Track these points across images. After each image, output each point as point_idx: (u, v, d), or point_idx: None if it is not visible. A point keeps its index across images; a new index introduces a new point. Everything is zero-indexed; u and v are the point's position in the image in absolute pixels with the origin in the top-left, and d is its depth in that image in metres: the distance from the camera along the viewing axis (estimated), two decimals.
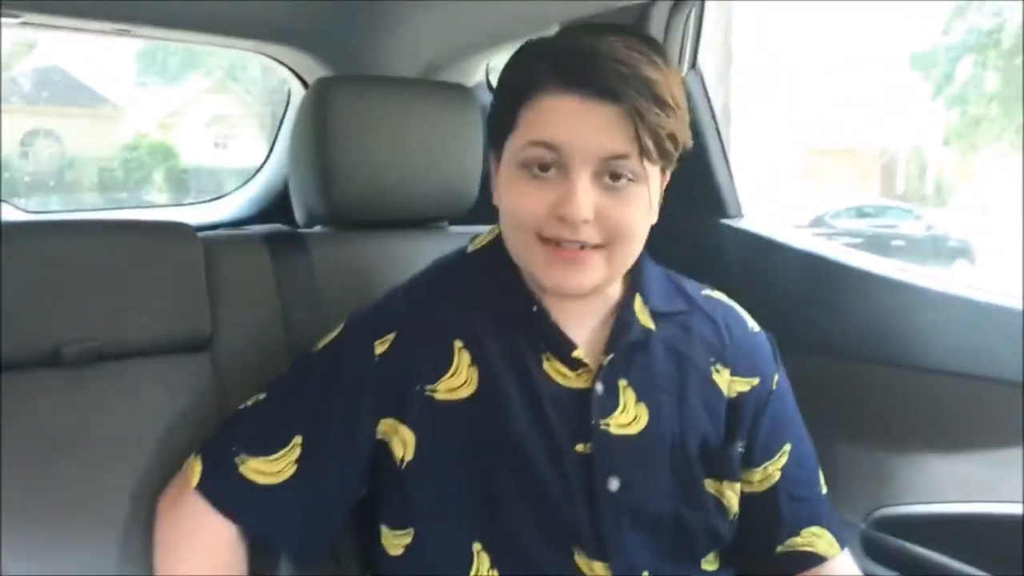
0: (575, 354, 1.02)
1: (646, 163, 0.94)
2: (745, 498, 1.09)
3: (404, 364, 1.02)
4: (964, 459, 1.30)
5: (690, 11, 1.48)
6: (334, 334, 1.08)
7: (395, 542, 1.04)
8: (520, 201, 0.96)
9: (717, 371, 1.08)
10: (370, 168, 1.35)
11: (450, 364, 1.02)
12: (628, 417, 1.02)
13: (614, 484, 1.00)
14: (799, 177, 11.13)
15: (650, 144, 0.92)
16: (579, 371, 1.03)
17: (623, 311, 1.05)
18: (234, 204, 2.15)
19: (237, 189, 2.20)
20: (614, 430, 1.01)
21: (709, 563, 1.08)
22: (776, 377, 1.12)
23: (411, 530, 1.03)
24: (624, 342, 1.04)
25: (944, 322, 1.30)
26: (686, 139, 0.98)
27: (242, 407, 1.08)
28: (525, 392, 1.01)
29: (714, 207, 1.57)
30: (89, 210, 3.63)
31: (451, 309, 1.05)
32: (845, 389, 1.39)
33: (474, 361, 1.02)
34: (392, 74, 1.75)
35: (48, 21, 1.58)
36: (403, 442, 1.01)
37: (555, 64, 0.93)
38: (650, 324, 1.06)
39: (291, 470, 1.01)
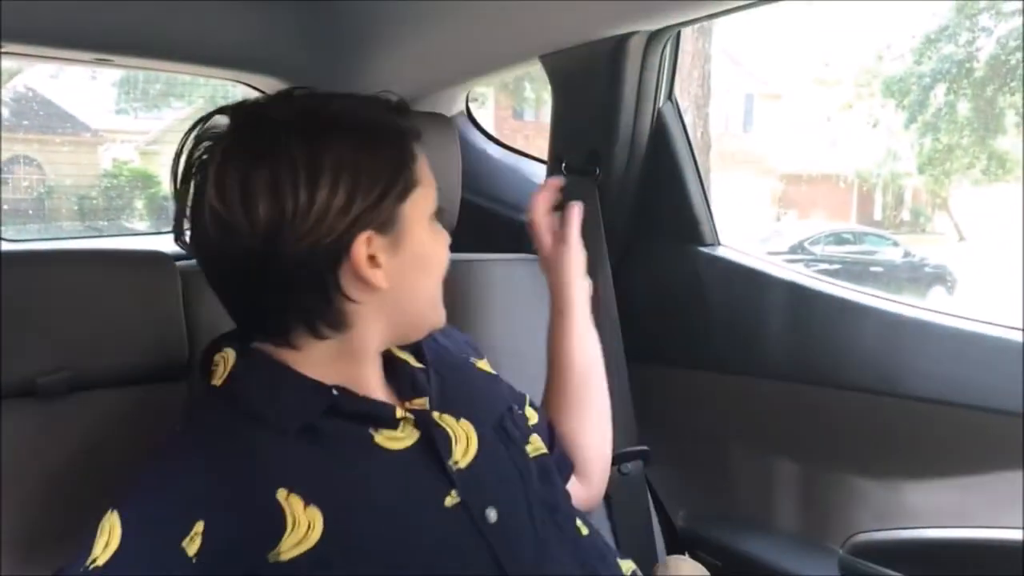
0: (398, 413, 0.95)
1: None
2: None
3: (228, 547, 0.82)
4: (939, 485, 1.31)
5: (666, 43, 1.50)
6: (99, 550, 0.84)
7: None
8: (442, 251, 1.00)
9: (476, 365, 1.16)
10: None
11: (284, 520, 0.84)
12: (462, 446, 0.99)
13: (492, 515, 0.95)
14: (776, 204, 11.23)
15: None
16: (401, 427, 0.95)
17: (387, 357, 1.03)
18: None
19: None
20: (463, 464, 0.97)
21: (582, 526, 1.08)
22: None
23: None
24: (410, 382, 1.02)
25: (922, 349, 1.32)
26: None
27: None
28: (373, 488, 0.91)
29: (691, 235, 1.59)
30: (68, 238, 3.61)
31: (264, 449, 0.89)
32: (823, 415, 1.40)
33: (308, 501, 0.86)
34: None
35: (28, 51, 1.59)
36: None
37: (402, 115, 0.97)
38: (408, 355, 1.05)
39: None
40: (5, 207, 4.48)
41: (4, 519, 1.07)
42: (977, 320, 1.30)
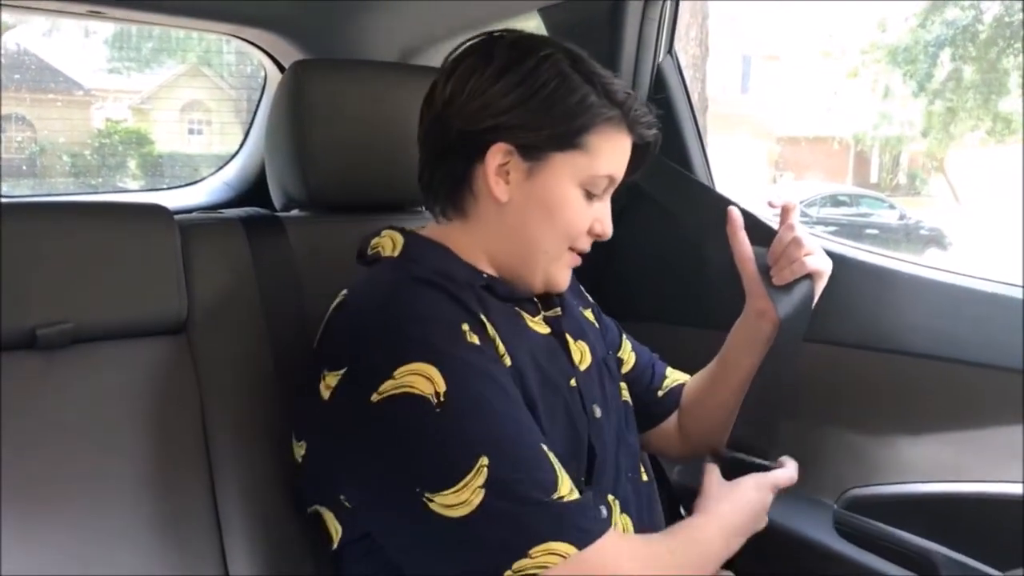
0: (534, 299, 1.12)
1: None
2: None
3: (488, 344, 1.00)
4: (933, 440, 1.32)
5: None
6: (437, 379, 0.92)
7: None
8: (576, 218, 1.06)
9: (584, 313, 1.24)
10: (347, 152, 1.35)
11: (488, 333, 1.01)
12: (578, 355, 1.13)
13: (598, 412, 1.11)
14: (772, 166, 11.21)
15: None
16: (538, 318, 1.12)
17: None
18: (210, 188, 2.14)
19: (213, 173, 2.19)
20: (580, 366, 1.12)
21: (644, 473, 1.21)
22: (585, 290, 1.33)
23: None
24: (544, 298, 1.15)
25: (917, 305, 1.32)
26: None
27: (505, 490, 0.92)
28: (528, 346, 1.05)
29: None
30: (63, 194, 3.60)
31: (449, 293, 1.01)
32: (817, 371, 1.41)
33: (496, 331, 1.02)
34: (369, 58, 1.75)
35: (23, 2, 1.57)
36: None
37: (620, 107, 1.04)
38: None
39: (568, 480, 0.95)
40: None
41: (4, 470, 1.08)
42: (972, 275, 1.30)
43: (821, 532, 1.32)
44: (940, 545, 1.24)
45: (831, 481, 1.38)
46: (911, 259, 1.37)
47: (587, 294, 1.32)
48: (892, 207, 9.22)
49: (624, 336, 1.33)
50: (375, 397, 0.92)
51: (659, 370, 1.34)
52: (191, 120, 6.01)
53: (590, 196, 1.06)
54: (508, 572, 0.87)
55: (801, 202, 8.51)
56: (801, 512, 1.38)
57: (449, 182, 1.08)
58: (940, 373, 1.29)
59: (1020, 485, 1.20)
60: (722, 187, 1.62)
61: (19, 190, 4.85)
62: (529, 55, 1.02)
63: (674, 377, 1.35)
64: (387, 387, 0.91)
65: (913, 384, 1.33)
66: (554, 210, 1.05)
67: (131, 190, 4.48)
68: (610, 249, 1.21)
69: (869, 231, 8.40)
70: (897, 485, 1.33)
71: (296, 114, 1.32)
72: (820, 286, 1.19)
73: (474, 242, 1.09)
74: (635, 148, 1.09)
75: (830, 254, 1.23)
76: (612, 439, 1.12)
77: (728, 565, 1.23)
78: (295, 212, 1.45)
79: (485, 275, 1.08)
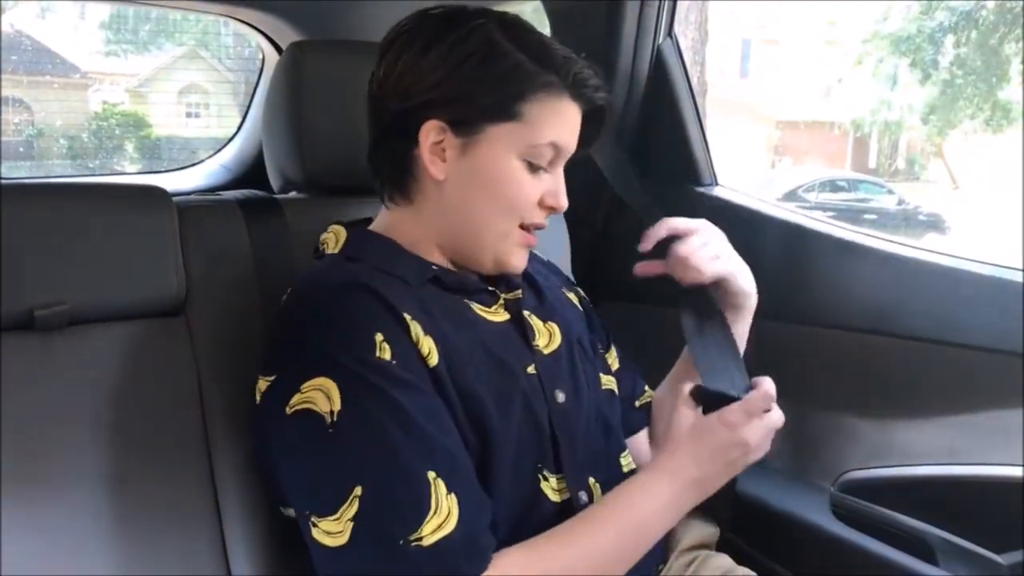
0: (489, 287, 1.08)
1: None
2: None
3: (406, 351, 0.95)
4: (931, 424, 1.32)
5: None
6: (335, 395, 0.90)
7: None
8: (520, 192, 1.02)
9: (565, 293, 1.21)
10: (344, 134, 1.34)
11: (413, 337, 0.96)
12: (544, 338, 1.10)
13: (561, 397, 1.06)
14: (771, 151, 11.19)
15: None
16: (494, 307, 1.08)
17: None
18: (208, 171, 2.14)
19: (211, 156, 2.18)
20: (544, 350, 1.08)
21: (625, 458, 1.17)
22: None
23: None
24: (506, 281, 1.11)
25: (917, 288, 1.32)
26: None
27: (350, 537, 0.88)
28: (472, 338, 1.02)
29: (688, 176, 1.58)
30: (60, 177, 3.59)
31: (377, 295, 0.98)
32: (814, 355, 1.41)
33: (425, 330, 0.97)
34: (367, 39, 1.74)
35: None
36: None
37: (559, 72, 0.99)
38: None
39: (452, 506, 0.90)
40: None
41: (3, 452, 1.08)
42: (972, 259, 1.30)
43: (818, 515, 1.32)
44: (937, 528, 1.25)
45: (828, 464, 1.39)
46: (911, 243, 1.37)
47: (571, 278, 1.30)
48: (891, 192, 9.21)
49: (611, 340, 1.28)
50: (288, 410, 0.92)
51: (639, 383, 1.28)
52: (189, 103, 5.99)
53: (534, 168, 1.02)
54: None
55: (799, 187, 8.53)
56: (798, 495, 1.38)
57: (390, 165, 1.06)
58: (939, 356, 1.30)
59: (1018, 468, 1.20)
60: (721, 171, 1.62)
61: (17, 172, 4.84)
62: (457, 26, 0.99)
63: (652, 394, 1.30)
64: (295, 400, 0.91)
65: (911, 367, 1.33)
66: (493, 185, 1.02)
67: (129, 173, 4.47)
68: (601, 231, 1.21)
69: (867, 216, 8.39)
70: (895, 468, 1.34)
71: (294, 96, 1.31)
72: (732, 284, 1.14)
73: (421, 228, 1.06)
74: (588, 115, 1.05)
75: (831, 237, 1.24)
76: (584, 421, 1.08)
77: (724, 546, 1.24)
78: (293, 194, 1.44)
79: (434, 267, 1.05)
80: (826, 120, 10.77)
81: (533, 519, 0.99)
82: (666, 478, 0.97)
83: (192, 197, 1.44)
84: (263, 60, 2.01)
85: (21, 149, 4.75)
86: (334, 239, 1.09)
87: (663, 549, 1.19)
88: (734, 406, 0.97)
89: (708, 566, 1.19)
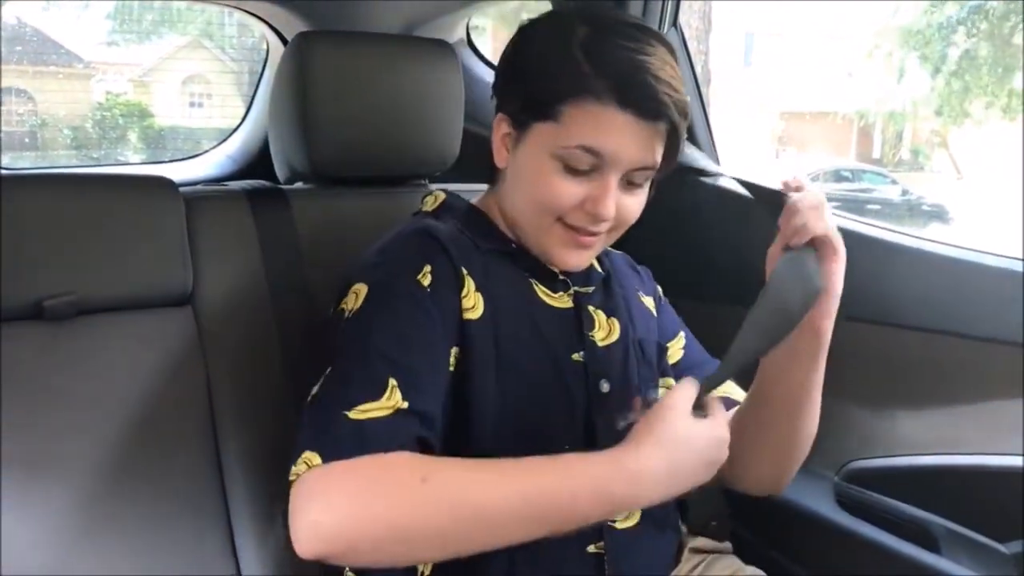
0: (561, 276, 1.11)
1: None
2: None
3: (445, 290, 1.01)
4: (934, 414, 1.32)
5: None
6: (361, 295, 0.99)
7: None
8: (552, 192, 1.03)
9: (640, 297, 1.23)
10: (351, 125, 1.34)
11: (463, 286, 1.03)
12: (603, 332, 1.13)
13: (605, 386, 1.09)
14: (775, 141, 11.16)
15: (675, 156, 1.06)
16: (560, 294, 1.12)
17: None
18: (213, 161, 2.14)
19: (215, 147, 2.19)
20: (599, 341, 1.12)
21: None
22: (659, 288, 1.30)
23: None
24: (585, 276, 1.15)
25: (920, 278, 1.32)
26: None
27: (310, 398, 0.94)
28: (525, 311, 1.08)
29: (693, 164, 1.58)
30: (64, 167, 3.59)
31: (454, 244, 1.05)
32: None
33: (478, 287, 1.04)
34: (373, 30, 1.74)
35: None
36: (454, 363, 1.01)
37: (614, 80, 0.98)
38: (598, 265, 1.19)
39: (398, 405, 0.90)
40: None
41: (10, 440, 1.08)
42: (975, 249, 1.30)
43: (822, 504, 1.32)
44: (940, 517, 1.25)
45: (832, 454, 1.39)
46: (913, 232, 1.37)
47: (656, 286, 1.29)
48: (894, 183, 9.20)
49: (683, 333, 1.26)
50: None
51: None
52: (192, 93, 5.99)
53: (573, 171, 1.01)
54: (293, 468, 0.87)
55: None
56: (802, 484, 1.38)
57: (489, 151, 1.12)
58: (941, 346, 1.30)
59: (1020, 458, 1.20)
60: (725, 162, 1.62)
61: (21, 163, 4.84)
62: (539, 25, 1.06)
63: (727, 390, 1.17)
64: (342, 305, 1.01)
65: (914, 357, 1.33)
66: (527, 181, 1.06)
67: (133, 163, 4.47)
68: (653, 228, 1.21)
69: (871, 206, 8.38)
70: (898, 458, 1.34)
71: (300, 86, 1.32)
72: (833, 262, 1.03)
73: (500, 210, 1.13)
74: (668, 132, 1.02)
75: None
76: (625, 410, 1.07)
77: (726, 536, 1.24)
78: (299, 185, 1.45)
79: (514, 244, 1.11)
80: (830, 110, 10.75)
81: None
82: (603, 461, 0.90)
83: (199, 188, 1.45)
84: (268, 50, 2.01)
85: (26, 140, 4.75)
86: (432, 201, 1.17)
87: (674, 551, 1.19)
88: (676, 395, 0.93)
89: (716, 567, 1.20)
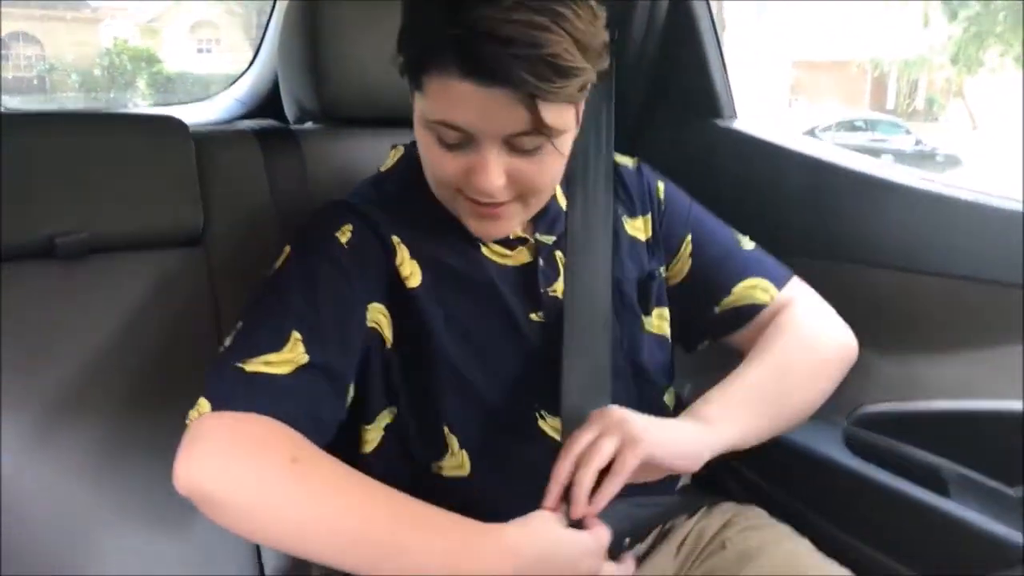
0: (513, 233, 1.06)
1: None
2: (670, 289, 1.19)
3: (367, 251, 1.01)
4: (946, 358, 1.32)
5: None
6: (285, 253, 1.02)
7: (370, 436, 1.05)
8: (435, 164, 0.98)
9: (626, 221, 1.16)
10: (361, 64, 1.33)
11: (395, 255, 1.02)
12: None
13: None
14: (788, 90, 11.04)
15: (550, 117, 0.90)
16: (516, 249, 1.08)
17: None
18: (222, 105, 2.12)
19: (225, 89, 2.17)
20: (562, 295, 1.07)
21: (668, 395, 1.17)
22: (661, 188, 1.20)
23: (387, 412, 1.04)
24: (552, 219, 1.10)
25: (935, 224, 1.31)
26: (599, 69, 0.93)
27: (221, 349, 0.94)
28: (472, 275, 1.05)
29: (708, 107, 1.56)
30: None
31: (385, 213, 1.04)
32: (831, 290, 1.40)
33: (412, 254, 1.03)
34: None
35: None
36: (387, 326, 1.02)
37: (453, 48, 0.87)
38: (562, 200, 1.12)
39: (299, 360, 0.91)
40: (7, 83, 4.42)
41: (20, 380, 1.09)
42: (992, 195, 1.29)
43: (831, 447, 1.33)
44: (950, 461, 1.26)
45: (842, 399, 1.39)
46: (921, 175, 1.35)
47: (657, 184, 1.20)
48: (908, 132, 9.11)
49: (690, 241, 1.18)
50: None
51: (725, 283, 1.18)
52: (200, 39, 5.94)
53: (448, 145, 0.94)
54: (192, 413, 0.88)
55: (816, 127, 8.44)
56: (811, 429, 1.39)
57: None
58: (950, 290, 1.29)
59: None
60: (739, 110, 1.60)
61: (29, 107, 4.82)
62: None
63: (745, 294, 1.17)
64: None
65: (923, 301, 1.33)
66: (422, 153, 1.01)
67: (142, 107, 4.45)
68: None
69: (884, 156, 8.32)
70: (908, 402, 1.34)
71: (309, 25, 1.30)
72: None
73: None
74: (516, 96, 0.88)
75: (853, 172, 1.21)
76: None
77: (734, 478, 1.25)
78: (309, 125, 1.44)
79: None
80: (845, 60, 10.61)
81: (526, 455, 1.02)
82: (473, 532, 0.85)
83: (209, 127, 1.44)
84: None
85: (34, 82, 4.73)
86: (391, 159, 1.15)
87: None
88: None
89: (716, 510, 1.18)
